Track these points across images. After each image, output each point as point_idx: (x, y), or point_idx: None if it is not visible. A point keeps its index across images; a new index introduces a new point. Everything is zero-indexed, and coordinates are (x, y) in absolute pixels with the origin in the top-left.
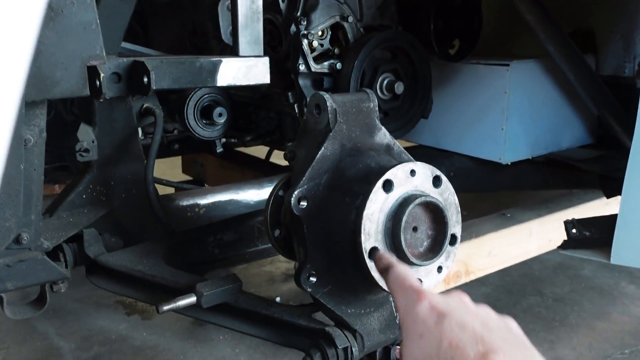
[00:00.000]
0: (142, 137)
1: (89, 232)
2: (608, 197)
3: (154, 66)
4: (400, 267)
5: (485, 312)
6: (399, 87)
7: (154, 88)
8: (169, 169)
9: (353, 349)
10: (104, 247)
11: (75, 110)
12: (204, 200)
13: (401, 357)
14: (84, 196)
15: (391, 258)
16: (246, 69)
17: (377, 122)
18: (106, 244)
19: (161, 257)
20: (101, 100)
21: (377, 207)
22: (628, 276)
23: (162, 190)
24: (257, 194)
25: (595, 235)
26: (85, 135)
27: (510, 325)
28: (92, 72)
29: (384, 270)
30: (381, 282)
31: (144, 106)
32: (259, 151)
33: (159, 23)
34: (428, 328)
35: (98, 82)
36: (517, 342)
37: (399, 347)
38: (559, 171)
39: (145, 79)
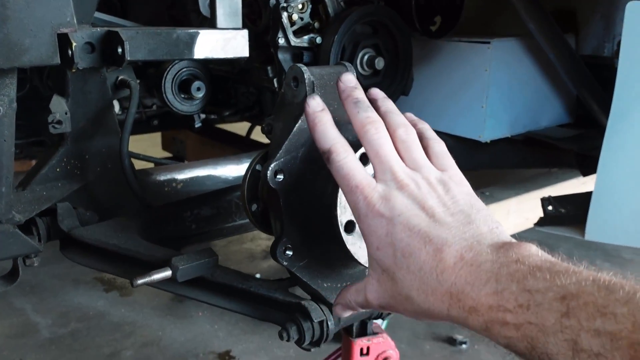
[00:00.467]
0: (120, 112)
1: (63, 205)
2: (585, 175)
3: (128, 37)
4: (343, 159)
5: (434, 194)
6: (380, 63)
7: (129, 59)
8: (149, 147)
9: (329, 323)
10: (78, 221)
11: (51, 83)
12: (181, 175)
13: (371, 270)
14: (57, 169)
15: (329, 136)
16: (224, 42)
17: None
18: (80, 218)
19: (137, 232)
20: (74, 70)
21: None
22: (603, 254)
23: (141, 165)
24: (235, 169)
25: (570, 212)
26: (58, 106)
27: (459, 202)
28: (64, 41)
29: (324, 155)
30: (357, 256)
31: (119, 78)
32: (241, 129)
33: None
34: (381, 240)
35: (70, 52)
36: (463, 221)
37: (376, 321)
38: (538, 150)
39: (120, 50)
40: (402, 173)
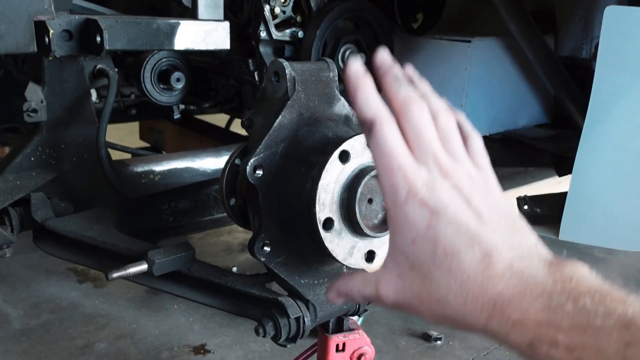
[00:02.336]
0: (97, 101)
1: (37, 195)
2: (560, 175)
3: (107, 25)
4: (387, 133)
5: (477, 192)
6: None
7: (107, 48)
8: (126, 135)
9: (305, 319)
10: (52, 212)
11: (26, 69)
12: (159, 167)
13: (392, 263)
14: (32, 159)
15: (373, 103)
16: (205, 33)
17: (337, 92)
18: (55, 209)
19: (112, 224)
20: (50, 58)
21: (333, 177)
22: (576, 253)
23: (118, 155)
24: (214, 162)
25: (546, 212)
26: (34, 94)
27: (501, 205)
28: (41, 28)
29: (364, 125)
30: (335, 254)
31: (97, 67)
32: (220, 120)
33: None
34: (420, 232)
35: (47, 39)
36: (510, 228)
37: (352, 318)
38: (515, 149)
39: (98, 38)
40: (446, 160)
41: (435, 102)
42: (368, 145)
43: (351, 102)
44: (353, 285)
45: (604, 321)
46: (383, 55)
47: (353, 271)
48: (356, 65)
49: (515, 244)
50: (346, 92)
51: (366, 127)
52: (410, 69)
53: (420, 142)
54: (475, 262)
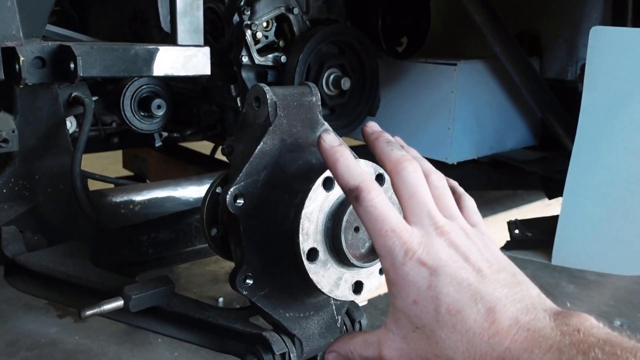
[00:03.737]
0: (77, 129)
1: (8, 229)
2: (550, 198)
3: (82, 52)
4: (374, 198)
5: (474, 247)
6: (346, 83)
7: (82, 75)
8: (110, 164)
9: (291, 355)
10: (24, 246)
11: None
12: (139, 197)
13: (394, 325)
14: (4, 190)
15: (356, 171)
16: (185, 59)
17: (320, 117)
18: (28, 243)
19: (88, 257)
20: (21, 86)
21: (317, 205)
22: (567, 276)
23: (99, 186)
24: (196, 191)
25: (537, 236)
26: (5, 124)
27: (500, 259)
28: (10, 54)
29: (350, 194)
30: (320, 286)
31: (73, 95)
32: (205, 147)
33: (97, 8)
34: (421, 292)
35: (17, 66)
36: (511, 281)
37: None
38: (504, 172)
39: (72, 65)
40: (441, 218)
41: (426, 164)
42: (357, 212)
43: (333, 174)
44: (354, 348)
45: None
46: (372, 124)
47: (340, 303)
48: (330, 137)
49: (518, 297)
50: (325, 164)
51: (352, 196)
52: (398, 138)
53: (415, 200)
54: (480, 318)
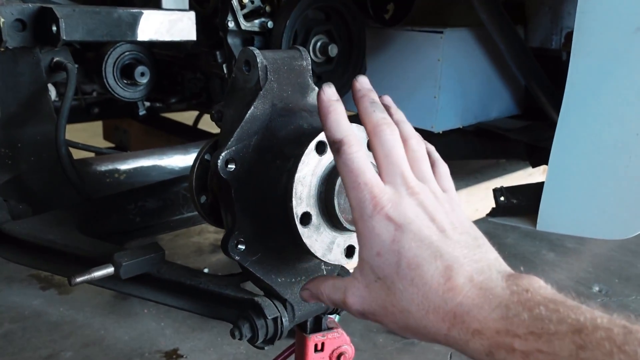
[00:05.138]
0: (57, 99)
1: None
2: (534, 166)
3: (64, 14)
4: (354, 152)
5: (441, 209)
6: (333, 50)
7: (65, 39)
8: (89, 137)
9: (283, 319)
10: (9, 215)
11: None
12: (124, 166)
13: (359, 274)
14: None
15: (343, 126)
16: (170, 24)
17: (311, 81)
18: (12, 211)
19: (75, 226)
20: (2, 49)
21: (310, 170)
22: (548, 244)
23: (81, 155)
24: (182, 160)
25: (522, 203)
26: None
27: (464, 223)
28: None
29: (333, 145)
30: (313, 250)
31: (55, 60)
32: (187, 119)
33: None
34: (385, 246)
35: None
36: (472, 244)
37: (330, 316)
38: (488, 141)
39: (55, 28)
40: (413, 180)
41: (407, 127)
42: (336, 164)
43: (322, 125)
44: (324, 289)
45: (558, 327)
46: (362, 80)
47: (331, 268)
48: (330, 91)
49: (476, 259)
50: (319, 115)
51: (334, 147)
52: (387, 98)
53: (389, 160)
54: (438, 275)
